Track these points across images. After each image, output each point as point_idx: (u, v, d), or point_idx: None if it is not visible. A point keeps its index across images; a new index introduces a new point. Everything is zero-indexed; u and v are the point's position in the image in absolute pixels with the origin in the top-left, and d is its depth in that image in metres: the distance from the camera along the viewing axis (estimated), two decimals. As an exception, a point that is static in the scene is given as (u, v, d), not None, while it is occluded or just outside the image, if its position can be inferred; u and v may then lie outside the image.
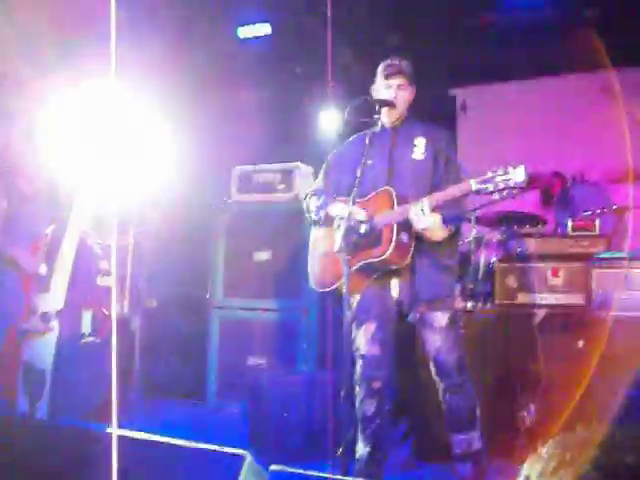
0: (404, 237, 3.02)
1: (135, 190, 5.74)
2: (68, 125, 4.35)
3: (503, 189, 2.74)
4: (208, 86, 6.10)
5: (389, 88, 3.21)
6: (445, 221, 3.03)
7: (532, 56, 5.90)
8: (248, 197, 5.01)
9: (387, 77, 3.21)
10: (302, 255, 4.69)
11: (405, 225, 2.99)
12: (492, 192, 2.77)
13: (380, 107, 3.16)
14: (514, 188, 2.73)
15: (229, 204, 5.03)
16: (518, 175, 2.71)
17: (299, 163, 4.93)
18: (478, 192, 2.83)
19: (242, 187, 5.03)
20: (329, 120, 5.47)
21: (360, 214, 3.00)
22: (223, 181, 5.17)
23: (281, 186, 4.91)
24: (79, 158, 4.10)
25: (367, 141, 3.07)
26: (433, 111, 3.56)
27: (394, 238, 2.98)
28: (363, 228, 2.94)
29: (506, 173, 2.73)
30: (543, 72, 6.15)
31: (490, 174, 2.77)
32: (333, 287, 3.20)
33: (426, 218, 2.91)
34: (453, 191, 2.91)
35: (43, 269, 3.87)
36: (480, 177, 2.80)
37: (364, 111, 3.17)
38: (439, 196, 2.93)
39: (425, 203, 2.91)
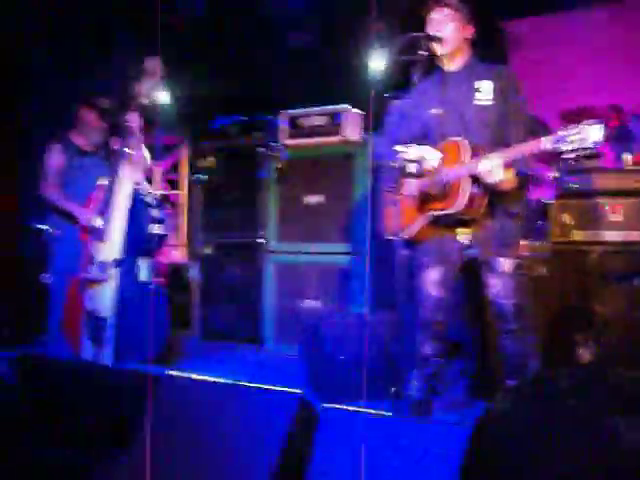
0: (476, 189, 2.95)
1: (187, 140, 5.81)
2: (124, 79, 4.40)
3: (578, 149, 2.61)
4: (253, 29, 6.03)
5: (434, 22, 3.10)
6: (518, 174, 2.97)
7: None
8: (297, 141, 4.99)
9: (430, 10, 3.10)
10: (353, 198, 4.71)
11: (477, 178, 2.93)
12: (565, 152, 2.65)
13: (429, 44, 3.06)
14: (588, 149, 2.60)
15: (279, 148, 5.02)
16: (594, 134, 2.55)
17: (348, 106, 4.86)
18: (552, 151, 2.72)
19: (291, 131, 5.00)
20: (378, 61, 5.37)
21: (410, 153, 2.95)
22: (273, 126, 5.15)
23: (330, 129, 4.86)
24: (133, 113, 4.14)
25: (427, 86, 3.00)
26: (484, 45, 3.42)
27: (467, 190, 2.92)
28: (412, 167, 2.90)
29: (582, 132, 2.57)
30: (597, 2, 5.89)
31: (564, 132, 2.62)
32: (402, 235, 3.17)
33: (497, 174, 2.85)
34: (526, 149, 2.79)
35: (98, 221, 3.96)
36: (555, 135, 2.65)
37: (414, 49, 3.08)
38: (510, 154, 2.83)
39: (496, 161, 2.83)
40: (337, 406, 2.18)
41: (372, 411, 2.24)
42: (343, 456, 2.17)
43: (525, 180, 3.08)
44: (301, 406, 2.10)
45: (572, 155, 2.63)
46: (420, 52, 3.00)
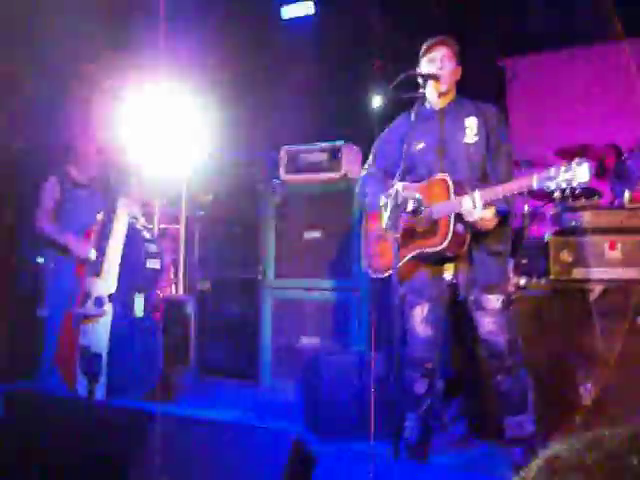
0: (460, 228, 2.96)
1: (185, 174, 5.83)
2: (119, 113, 4.42)
3: (565, 189, 2.63)
4: (254, 68, 6.09)
5: (433, 61, 3.13)
6: (499, 212, 2.98)
7: (586, 22, 5.71)
8: (296, 177, 4.99)
9: (430, 50, 3.13)
10: (352, 234, 4.69)
11: (461, 215, 2.94)
12: (553, 191, 2.67)
13: (425, 82, 3.08)
14: (576, 189, 2.62)
15: (278, 184, 5.03)
16: (582, 174, 2.57)
17: (347, 142, 4.89)
18: (539, 190, 2.73)
19: (290, 167, 5.01)
20: (376, 99, 5.40)
21: (408, 192, 2.95)
22: (271, 162, 5.17)
23: (329, 165, 4.87)
24: (129, 145, 4.17)
25: (415, 121, 3.00)
26: (481, 82, 3.45)
27: (451, 229, 2.93)
28: (411, 205, 2.90)
29: (568, 171, 2.59)
30: (597, 39, 5.94)
31: (553, 172, 2.63)
32: (387, 274, 3.15)
33: (478, 212, 2.86)
34: (513, 187, 2.81)
35: (93, 254, 3.94)
36: (542, 174, 2.67)
37: (409, 88, 3.10)
38: (494, 191, 2.84)
39: (477, 198, 2.84)
40: (338, 445, 2.14)
41: (370, 452, 2.19)
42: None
43: (507, 218, 3.08)
44: (296, 447, 2.06)
45: (559, 194, 2.65)
46: (420, 90, 3.01)
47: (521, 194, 2.98)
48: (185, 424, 2.72)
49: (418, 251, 3.05)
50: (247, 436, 2.34)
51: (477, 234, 3.03)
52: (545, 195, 4.81)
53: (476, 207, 2.84)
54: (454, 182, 2.97)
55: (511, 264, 3.89)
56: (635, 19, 5.02)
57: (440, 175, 3.03)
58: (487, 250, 3.07)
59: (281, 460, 2.10)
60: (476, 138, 3.10)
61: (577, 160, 2.59)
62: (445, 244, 2.94)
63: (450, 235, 2.92)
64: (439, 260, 3.10)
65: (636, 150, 4.86)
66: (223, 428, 2.54)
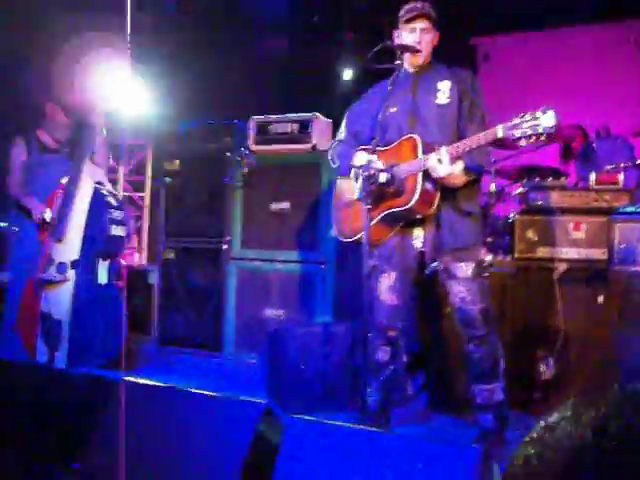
0: (429, 186, 2.94)
1: (152, 142, 5.74)
2: (89, 79, 4.31)
3: (530, 135, 2.61)
4: (226, 36, 5.99)
5: (412, 32, 3.09)
6: (468, 168, 2.96)
7: (558, 4, 5.73)
8: (265, 148, 4.94)
9: (409, 21, 3.08)
10: (320, 206, 4.67)
11: (429, 173, 2.92)
12: (519, 138, 2.65)
13: (402, 53, 3.05)
14: (542, 134, 2.59)
15: (246, 154, 4.97)
16: (547, 120, 2.55)
17: (317, 113, 4.84)
18: (504, 139, 2.71)
19: (259, 137, 4.95)
20: (348, 69, 5.37)
21: (379, 162, 2.93)
22: (240, 132, 5.10)
23: (299, 136, 4.82)
24: (98, 112, 4.07)
25: (389, 87, 2.97)
26: (453, 60, 3.44)
27: (419, 187, 2.90)
28: (383, 177, 2.86)
29: (535, 118, 2.58)
30: (569, 21, 5.98)
31: (517, 120, 2.62)
32: (356, 237, 3.14)
33: (444, 167, 2.83)
34: (478, 138, 2.78)
35: (48, 214, 3.86)
36: (507, 123, 2.66)
37: (385, 58, 3.07)
38: (460, 145, 2.83)
39: (442, 153, 2.82)
40: (304, 417, 2.14)
41: (338, 423, 2.20)
42: (305, 467, 2.12)
43: (476, 176, 3.07)
44: (266, 416, 2.05)
45: (525, 142, 2.63)
46: (396, 61, 2.97)
47: (488, 145, 2.94)
48: (149, 393, 2.69)
49: (387, 211, 3.02)
50: (216, 405, 2.33)
51: (446, 193, 3.01)
52: (512, 174, 4.86)
53: (442, 162, 2.81)
54: (423, 142, 2.95)
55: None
56: (612, 2, 5.04)
57: (409, 135, 3.01)
58: (456, 210, 3.05)
59: (250, 430, 2.10)
60: (448, 100, 3.08)
61: (542, 107, 2.58)
62: (412, 202, 2.91)
63: (418, 193, 2.89)
64: (408, 223, 3.08)
65: (603, 132, 4.92)
66: (190, 398, 2.52)
